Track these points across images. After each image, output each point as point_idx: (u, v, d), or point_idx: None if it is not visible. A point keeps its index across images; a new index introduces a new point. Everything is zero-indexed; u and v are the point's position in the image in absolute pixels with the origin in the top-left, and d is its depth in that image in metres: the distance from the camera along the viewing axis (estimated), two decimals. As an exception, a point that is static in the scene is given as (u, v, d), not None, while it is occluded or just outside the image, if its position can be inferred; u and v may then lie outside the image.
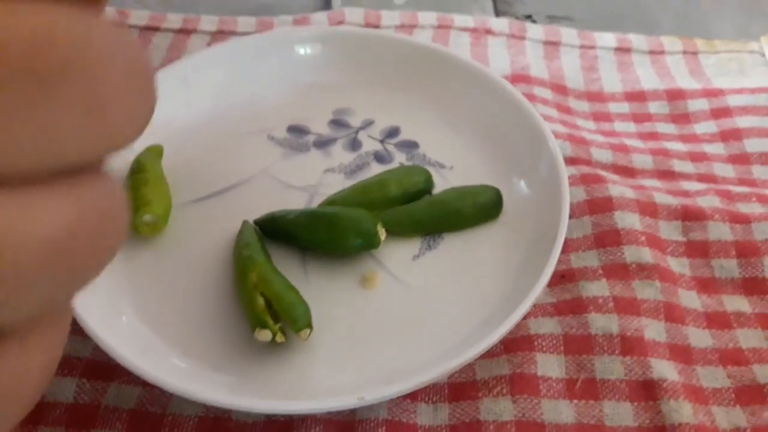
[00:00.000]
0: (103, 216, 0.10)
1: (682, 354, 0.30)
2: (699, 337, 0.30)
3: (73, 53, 0.09)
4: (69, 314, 0.12)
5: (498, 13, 0.50)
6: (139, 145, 0.34)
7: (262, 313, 0.27)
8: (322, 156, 0.36)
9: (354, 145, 0.37)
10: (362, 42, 0.39)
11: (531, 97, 0.41)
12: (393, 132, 0.37)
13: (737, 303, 0.32)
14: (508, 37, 0.46)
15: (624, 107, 0.43)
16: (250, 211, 0.33)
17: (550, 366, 0.28)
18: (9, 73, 0.09)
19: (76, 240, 0.10)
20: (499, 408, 0.27)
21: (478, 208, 0.32)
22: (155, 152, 0.34)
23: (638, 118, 0.42)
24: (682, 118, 0.42)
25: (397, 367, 0.26)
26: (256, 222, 0.32)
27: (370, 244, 0.30)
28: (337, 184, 0.34)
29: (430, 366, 0.25)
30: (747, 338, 0.31)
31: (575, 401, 0.27)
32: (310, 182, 0.34)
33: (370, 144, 0.37)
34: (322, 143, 0.37)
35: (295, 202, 0.33)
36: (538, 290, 0.27)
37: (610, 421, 0.27)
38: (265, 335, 0.26)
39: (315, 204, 0.33)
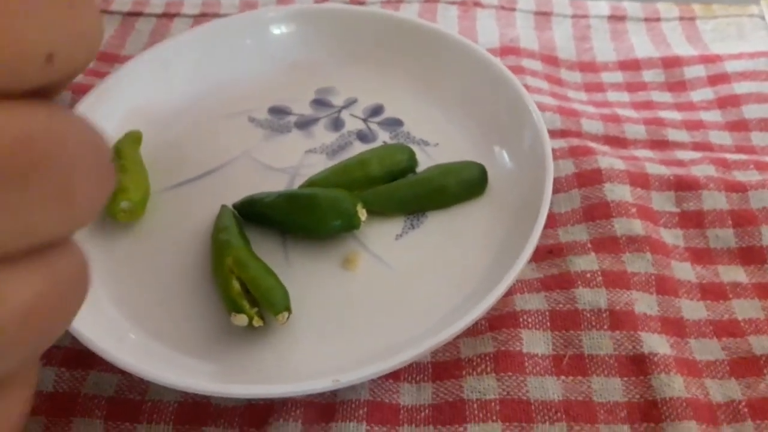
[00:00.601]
0: (70, 283, 0.12)
1: (674, 327, 0.29)
2: (693, 309, 0.29)
3: (49, 152, 0.10)
4: (36, 367, 0.13)
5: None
6: (117, 132, 0.33)
7: (238, 297, 0.26)
8: (304, 137, 0.35)
9: (336, 124, 0.36)
10: (341, 18, 0.38)
11: (520, 70, 0.40)
12: (376, 110, 0.36)
13: (733, 273, 0.31)
14: (498, 9, 0.45)
15: (617, 77, 0.41)
16: (229, 194, 0.32)
17: (536, 342, 0.27)
18: None
19: (46, 308, 0.11)
20: (483, 386, 0.26)
21: (463, 185, 0.32)
22: (134, 138, 0.33)
23: (632, 87, 0.41)
24: (678, 86, 0.41)
25: (378, 348, 0.26)
26: (235, 206, 0.31)
27: (350, 225, 0.29)
28: (319, 165, 0.34)
29: (410, 345, 0.24)
30: (743, 309, 0.30)
31: (562, 378, 0.27)
32: (290, 163, 0.34)
33: (353, 123, 0.36)
34: (304, 123, 0.36)
35: (275, 183, 0.33)
36: (520, 265, 0.26)
37: (599, 397, 0.26)
38: (241, 320, 0.26)
39: (296, 185, 0.33)
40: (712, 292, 0.30)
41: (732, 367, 0.28)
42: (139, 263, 0.30)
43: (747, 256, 0.32)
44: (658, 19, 0.45)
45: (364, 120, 0.36)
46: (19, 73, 0.10)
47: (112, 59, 0.42)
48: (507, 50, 0.41)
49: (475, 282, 0.28)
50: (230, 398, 0.26)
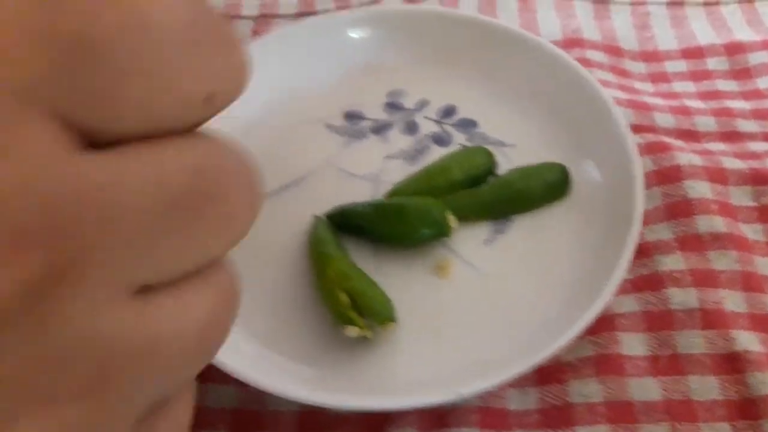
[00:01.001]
0: (230, 298, 0.13)
1: (763, 323, 0.29)
2: (779, 305, 0.30)
3: (216, 180, 0.11)
4: (194, 384, 0.14)
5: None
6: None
7: (348, 309, 0.27)
8: (381, 142, 0.36)
9: (411, 128, 0.36)
10: (408, 19, 0.38)
11: (586, 62, 0.40)
12: (449, 111, 0.37)
13: (815, 267, 0.32)
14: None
15: (681, 65, 0.41)
16: (318, 203, 0.33)
17: (633, 344, 0.28)
18: (171, 200, 0.10)
19: (216, 323, 0.12)
20: (587, 390, 0.27)
21: (546, 188, 0.32)
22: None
23: (697, 76, 0.41)
24: (743, 73, 0.41)
25: (485, 357, 0.27)
26: (327, 216, 0.32)
27: (441, 232, 0.30)
28: (399, 171, 0.34)
29: (525, 354, 0.25)
30: (828, 303, 0.30)
31: (660, 378, 0.28)
32: (372, 170, 0.34)
33: (427, 126, 0.36)
34: (379, 128, 0.36)
35: (360, 191, 0.34)
36: (621, 272, 0.27)
37: (698, 396, 0.27)
38: (353, 331, 0.27)
39: (380, 193, 0.33)
40: (796, 287, 0.31)
41: (823, 362, 0.28)
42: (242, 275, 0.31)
43: (828, 249, 0.32)
44: (717, 3, 0.45)
45: (438, 122, 0.36)
46: (182, 116, 0.11)
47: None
48: (570, 42, 0.41)
49: (572, 287, 0.29)
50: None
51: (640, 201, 0.29)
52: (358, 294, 0.27)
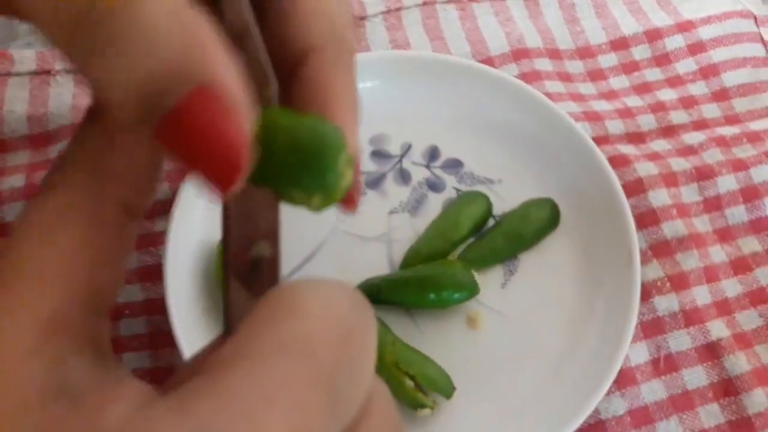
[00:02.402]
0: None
1: (723, 307, 0.37)
2: (731, 287, 0.37)
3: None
4: None
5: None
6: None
7: (416, 393, 0.30)
8: (379, 197, 0.38)
9: (403, 176, 0.38)
10: (381, 63, 0.39)
11: (536, 76, 0.43)
12: (433, 153, 0.39)
13: (750, 244, 0.39)
14: (492, 1, 0.46)
15: (612, 59, 0.46)
16: (341, 274, 0.35)
17: (638, 353, 0.34)
18: None
19: None
20: (613, 406, 0.33)
21: (542, 224, 0.36)
22: (218, 253, 0.34)
23: (627, 68, 0.45)
24: (663, 59, 0.46)
25: (539, 409, 0.32)
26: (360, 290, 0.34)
27: (472, 293, 0.33)
28: (406, 226, 0.37)
29: (581, 403, 0.30)
30: (765, 276, 0.38)
31: (662, 377, 0.34)
32: (381, 230, 0.36)
33: (417, 172, 0.38)
34: (374, 182, 0.38)
35: (375, 254, 0.36)
36: (635, 309, 0.32)
37: (691, 386, 0.34)
38: (426, 412, 0.30)
39: (395, 253, 0.36)
40: (739, 266, 0.38)
41: (770, 330, 0.36)
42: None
43: (756, 226, 0.39)
44: (630, -14, 0.48)
45: (427, 166, 0.39)
46: None
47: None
48: (518, 54, 0.44)
49: (585, 318, 0.34)
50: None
51: (634, 237, 0.34)
52: (420, 375, 0.31)
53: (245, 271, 0.14)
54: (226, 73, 0.12)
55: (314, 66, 0.16)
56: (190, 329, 0.31)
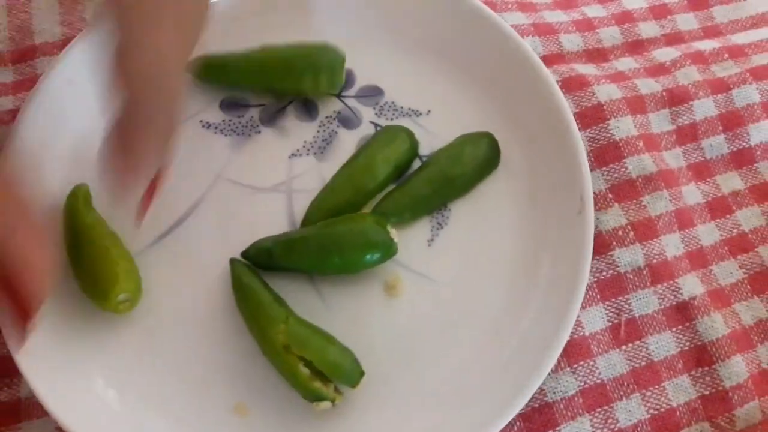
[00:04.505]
0: None
1: (698, 259, 0.30)
2: (707, 234, 0.31)
3: None
4: None
5: None
6: (58, 192, 0.27)
7: (311, 383, 0.24)
8: (278, 136, 0.30)
9: (308, 109, 0.31)
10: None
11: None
12: (347, 78, 0.31)
13: (731, 182, 0.32)
14: None
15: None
16: (224, 237, 0.28)
17: (594, 320, 0.28)
18: None
19: None
20: (562, 385, 0.27)
21: (478, 166, 0.29)
22: (84, 197, 0.27)
23: (589, -29, 0.37)
24: (632, -40, 0.38)
25: (471, 392, 0.25)
26: (247, 257, 0.27)
27: (388, 253, 0.27)
28: (311, 172, 0.29)
29: (522, 383, 0.24)
30: (747, 219, 0.32)
31: (623, 347, 0.28)
32: (279, 178, 0.29)
33: (325, 102, 0.31)
34: (270, 117, 0.30)
35: (271, 208, 0.29)
36: (585, 274, 0.25)
37: (657, 356, 0.28)
38: (325, 406, 0.24)
39: (297, 207, 0.29)
40: (718, 208, 0.32)
41: (752, 284, 0.30)
42: (154, 351, 0.26)
43: (738, 159, 0.33)
44: None
45: (338, 96, 0.31)
46: None
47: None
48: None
49: (528, 278, 0.27)
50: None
51: (588, 179, 0.27)
52: (318, 360, 0.24)
53: None
54: None
55: None
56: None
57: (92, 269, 0.25)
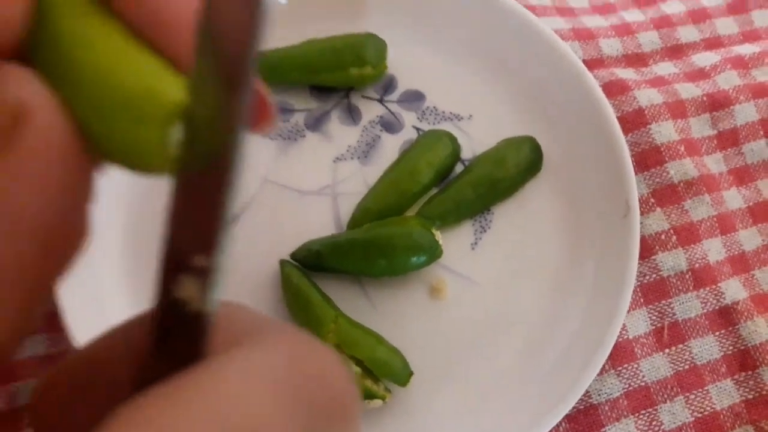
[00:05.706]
0: None
1: (740, 263, 0.30)
2: (749, 238, 0.31)
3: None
4: None
5: None
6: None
7: (364, 382, 0.24)
8: (323, 140, 0.31)
9: (352, 114, 0.31)
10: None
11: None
12: (388, 84, 0.32)
13: (772, 186, 0.32)
14: None
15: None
16: (273, 239, 0.28)
17: (637, 323, 0.28)
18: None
19: None
20: (607, 387, 0.27)
21: (520, 169, 0.29)
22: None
23: (626, -24, 0.38)
24: (670, -36, 0.38)
25: (517, 394, 0.26)
26: (296, 258, 0.28)
27: (433, 257, 0.27)
28: (356, 176, 0.30)
29: (568, 386, 0.24)
30: (789, 224, 0.32)
31: (667, 351, 0.28)
32: (324, 181, 0.30)
33: (368, 107, 0.31)
34: (315, 123, 0.31)
35: (318, 211, 0.29)
36: (632, 278, 0.26)
37: (700, 359, 0.28)
38: (376, 404, 0.25)
39: (343, 210, 0.29)
40: (759, 213, 0.32)
41: (795, 288, 0.30)
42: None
43: (780, 164, 0.33)
44: None
45: (380, 100, 0.31)
46: None
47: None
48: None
49: (572, 281, 0.28)
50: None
51: (633, 183, 0.27)
52: (369, 360, 0.25)
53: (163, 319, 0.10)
54: None
55: None
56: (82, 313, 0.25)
57: None
